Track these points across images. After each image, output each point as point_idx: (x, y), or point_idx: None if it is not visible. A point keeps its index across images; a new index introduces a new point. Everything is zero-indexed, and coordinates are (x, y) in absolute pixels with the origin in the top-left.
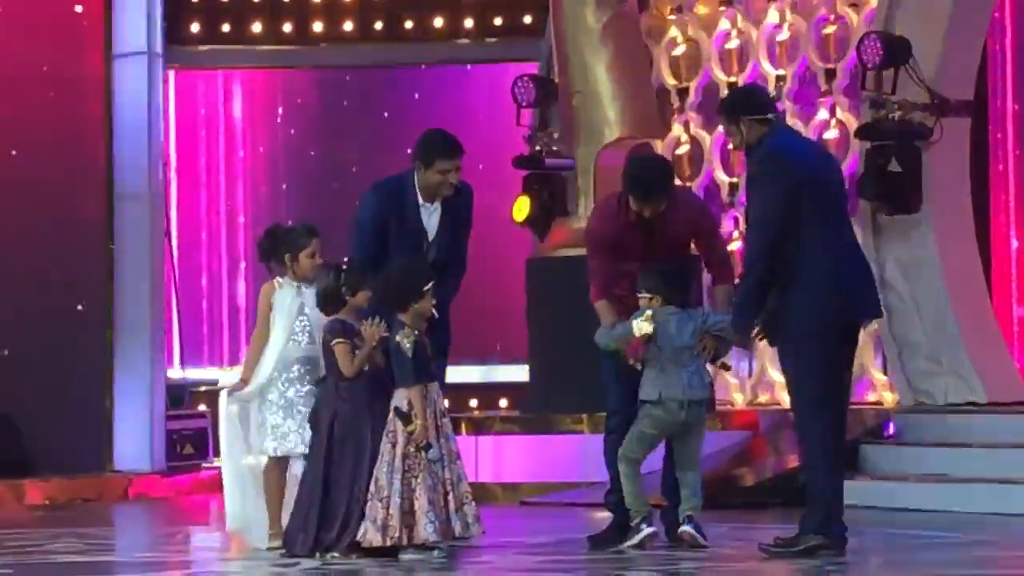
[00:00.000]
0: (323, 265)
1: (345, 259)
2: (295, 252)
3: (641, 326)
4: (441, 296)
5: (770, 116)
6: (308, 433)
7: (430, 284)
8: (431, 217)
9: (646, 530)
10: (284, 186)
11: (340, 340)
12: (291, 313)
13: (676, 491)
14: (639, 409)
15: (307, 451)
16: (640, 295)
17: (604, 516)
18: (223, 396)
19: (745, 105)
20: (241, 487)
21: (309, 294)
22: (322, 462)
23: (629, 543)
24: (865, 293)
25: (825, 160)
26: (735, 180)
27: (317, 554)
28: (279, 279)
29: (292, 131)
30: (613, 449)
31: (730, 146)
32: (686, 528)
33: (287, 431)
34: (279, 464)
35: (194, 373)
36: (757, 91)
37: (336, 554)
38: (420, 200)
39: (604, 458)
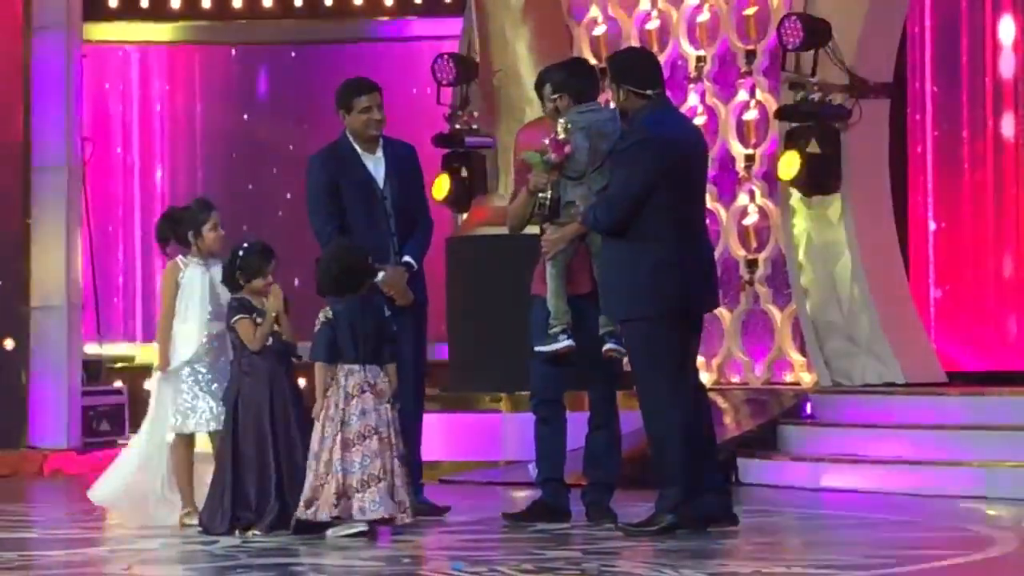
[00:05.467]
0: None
1: (244, 244)
2: (197, 228)
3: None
4: (413, 251)
5: (650, 92)
6: (216, 410)
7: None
8: (376, 168)
9: (564, 341)
10: (200, 162)
11: (241, 316)
12: (204, 289)
13: (597, 467)
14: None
15: (215, 428)
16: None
17: (523, 495)
18: (155, 377)
19: (629, 75)
20: (130, 466)
21: (216, 271)
22: (230, 440)
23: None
24: (706, 284)
25: (696, 146)
26: None
27: (237, 532)
28: (182, 258)
29: (210, 107)
30: (543, 433)
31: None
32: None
33: (192, 409)
34: (185, 441)
35: (111, 348)
36: (645, 63)
37: (257, 532)
38: (359, 150)
39: (535, 442)
